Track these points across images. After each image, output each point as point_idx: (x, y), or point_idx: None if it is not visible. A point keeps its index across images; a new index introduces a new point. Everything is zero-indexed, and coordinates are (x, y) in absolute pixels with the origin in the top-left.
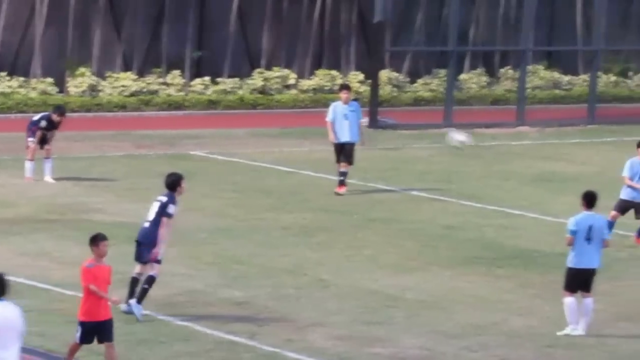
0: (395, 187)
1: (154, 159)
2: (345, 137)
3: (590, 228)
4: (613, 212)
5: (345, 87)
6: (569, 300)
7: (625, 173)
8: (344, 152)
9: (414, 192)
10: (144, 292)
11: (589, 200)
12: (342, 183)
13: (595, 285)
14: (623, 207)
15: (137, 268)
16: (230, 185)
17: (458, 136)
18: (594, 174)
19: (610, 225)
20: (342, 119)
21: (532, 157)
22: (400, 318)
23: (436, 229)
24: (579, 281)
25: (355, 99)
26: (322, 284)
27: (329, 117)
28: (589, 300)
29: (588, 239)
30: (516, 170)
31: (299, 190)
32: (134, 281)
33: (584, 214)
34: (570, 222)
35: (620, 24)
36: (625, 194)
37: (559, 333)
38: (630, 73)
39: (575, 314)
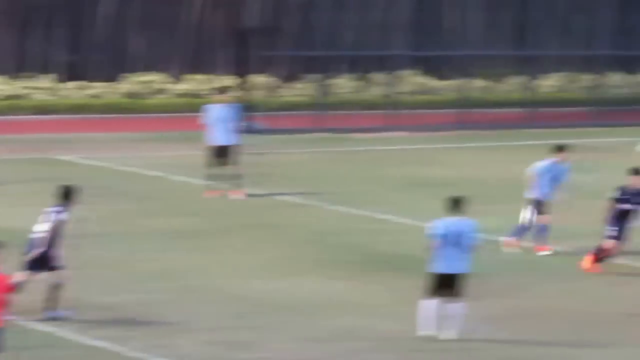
0: (267, 191)
1: (23, 164)
2: (222, 140)
3: (454, 232)
4: (543, 217)
5: (221, 90)
6: (430, 304)
7: (533, 172)
8: (223, 155)
9: (285, 197)
10: (55, 298)
11: (454, 204)
12: (234, 187)
13: (463, 289)
14: (540, 206)
15: (24, 276)
16: (100, 190)
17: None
18: (465, 179)
19: (545, 229)
20: (219, 122)
21: (404, 162)
22: (269, 323)
23: (306, 233)
24: (443, 286)
25: (231, 102)
26: (191, 289)
27: (204, 121)
28: (457, 305)
29: (452, 243)
30: (387, 175)
31: (170, 194)
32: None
33: (449, 218)
34: (434, 227)
35: (492, 29)
36: (535, 194)
37: (423, 336)
38: (502, 78)
39: (436, 318)
